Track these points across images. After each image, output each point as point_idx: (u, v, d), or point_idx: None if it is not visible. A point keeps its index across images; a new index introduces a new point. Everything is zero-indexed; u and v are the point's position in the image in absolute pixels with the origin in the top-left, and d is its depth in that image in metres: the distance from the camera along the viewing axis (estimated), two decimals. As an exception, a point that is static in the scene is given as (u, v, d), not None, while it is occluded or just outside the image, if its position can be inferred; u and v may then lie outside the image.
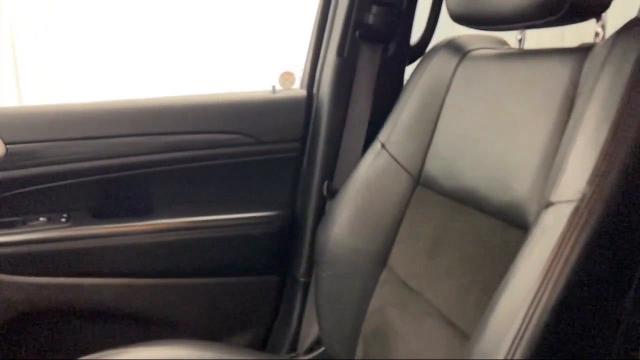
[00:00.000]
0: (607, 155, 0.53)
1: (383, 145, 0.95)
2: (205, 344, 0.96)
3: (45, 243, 1.05)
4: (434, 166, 0.88)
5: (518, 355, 0.51)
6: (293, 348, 1.20)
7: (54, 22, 2.74)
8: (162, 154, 1.12)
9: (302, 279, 1.21)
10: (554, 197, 0.57)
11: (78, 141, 1.07)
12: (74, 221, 1.08)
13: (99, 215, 1.11)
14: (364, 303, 0.90)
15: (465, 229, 0.77)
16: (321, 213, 1.13)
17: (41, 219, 1.07)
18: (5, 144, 1.02)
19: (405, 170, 0.91)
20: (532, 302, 0.51)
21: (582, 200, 0.53)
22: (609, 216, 0.52)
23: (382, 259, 0.90)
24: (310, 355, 1.15)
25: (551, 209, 0.56)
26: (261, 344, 1.24)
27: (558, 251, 0.52)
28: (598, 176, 0.53)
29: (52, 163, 1.06)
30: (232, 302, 1.20)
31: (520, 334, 0.51)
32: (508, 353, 0.51)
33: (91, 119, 1.09)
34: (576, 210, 0.53)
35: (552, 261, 0.52)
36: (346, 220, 0.93)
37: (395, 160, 0.92)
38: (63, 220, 1.08)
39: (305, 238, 1.19)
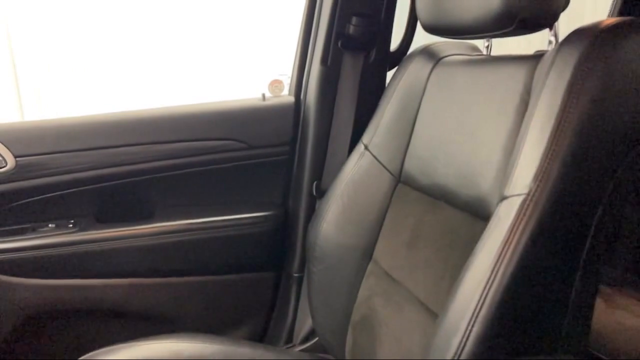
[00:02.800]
0: (549, 153, 0.60)
1: (366, 147, 1.01)
2: (207, 337, 1.00)
3: (54, 248, 1.10)
4: (412, 165, 0.94)
5: (475, 331, 0.58)
6: (289, 339, 1.25)
7: (53, 24, 2.77)
8: (160, 161, 1.17)
9: (296, 274, 1.26)
10: (506, 192, 0.64)
11: (82, 152, 1.12)
12: (80, 227, 1.13)
13: (104, 220, 1.17)
14: (353, 294, 0.97)
15: (438, 222, 0.84)
16: (311, 212, 1.18)
17: (50, 225, 1.13)
18: (15, 157, 1.07)
19: (387, 169, 0.98)
20: (486, 285, 0.58)
21: (528, 194, 0.60)
22: (552, 207, 0.59)
23: (367, 253, 0.96)
24: (305, 345, 1.20)
25: (504, 202, 0.63)
26: (259, 337, 1.28)
27: (508, 239, 0.59)
28: (542, 172, 0.60)
29: (59, 173, 1.11)
30: (231, 298, 1.25)
31: (476, 313, 0.58)
32: (466, 330, 0.58)
33: (93, 130, 1.14)
34: (523, 202, 0.60)
35: (503, 248, 0.59)
36: (334, 218, 0.99)
37: (378, 160, 0.99)
38: (70, 226, 1.13)
39: (298, 236, 1.24)
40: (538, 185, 0.59)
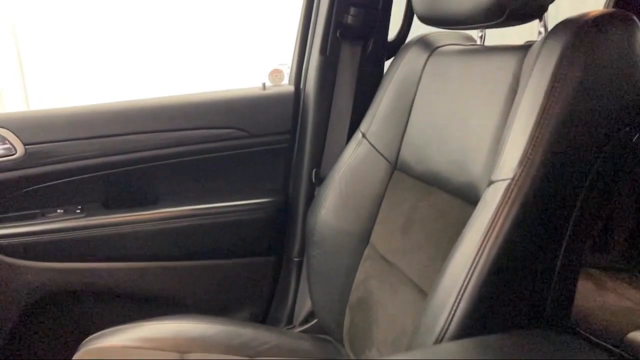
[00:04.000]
0: (533, 140, 0.63)
1: (364, 135, 1.03)
2: (210, 318, 1.04)
3: (63, 232, 1.13)
4: (408, 153, 0.97)
5: (461, 308, 0.61)
6: (290, 321, 1.28)
7: (54, 18, 2.79)
8: (164, 149, 1.20)
9: (296, 259, 1.29)
10: (493, 177, 0.67)
11: (88, 140, 1.15)
12: (88, 212, 1.17)
13: (110, 206, 1.20)
14: (350, 277, 1.00)
15: (431, 207, 0.87)
16: (311, 198, 1.21)
17: (58, 210, 1.16)
18: (24, 144, 1.11)
19: (384, 157, 1.00)
20: (471, 265, 0.62)
21: (513, 179, 0.63)
22: (536, 191, 0.62)
23: (365, 237, 1.00)
24: (305, 326, 1.24)
25: (491, 187, 0.66)
26: (261, 318, 1.32)
27: (493, 221, 0.62)
28: (526, 158, 0.63)
29: (66, 160, 1.14)
30: (234, 281, 1.28)
31: (462, 291, 0.61)
32: (453, 307, 0.61)
33: (99, 119, 1.17)
34: (508, 187, 0.63)
35: (489, 230, 0.62)
36: (332, 204, 1.02)
37: (375, 148, 1.01)
38: (78, 211, 1.17)
39: (298, 221, 1.27)
40: (522, 170, 0.63)
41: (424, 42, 1.00)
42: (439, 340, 0.61)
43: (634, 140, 1.27)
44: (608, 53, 0.64)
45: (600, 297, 1.05)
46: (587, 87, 0.63)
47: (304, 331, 1.24)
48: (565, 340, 0.61)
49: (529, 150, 0.63)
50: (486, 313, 0.62)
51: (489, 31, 0.91)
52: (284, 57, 1.36)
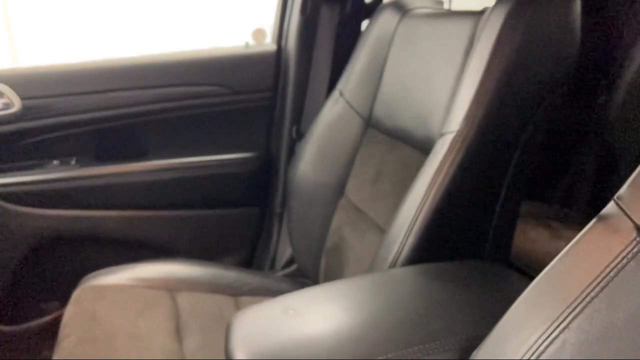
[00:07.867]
0: (476, 98, 0.71)
1: (341, 93, 1.09)
2: (198, 262, 1.11)
3: (59, 182, 1.20)
4: (380, 110, 1.03)
5: (409, 242, 0.70)
6: (272, 266, 1.38)
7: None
8: (153, 104, 1.25)
9: (278, 210, 1.37)
10: (443, 130, 0.75)
11: (82, 95, 1.20)
12: (82, 163, 1.24)
13: (103, 158, 1.27)
14: (326, 225, 1.08)
15: (397, 160, 0.95)
16: (291, 153, 1.28)
17: (54, 162, 1.23)
18: (22, 99, 1.16)
19: (358, 114, 1.07)
20: (419, 205, 0.71)
21: (458, 131, 0.71)
22: (477, 143, 0.71)
23: (340, 189, 1.07)
24: (286, 271, 1.33)
25: (441, 138, 0.75)
26: (246, 264, 1.41)
27: (439, 167, 0.71)
28: (469, 114, 0.71)
29: (61, 114, 1.19)
30: (221, 230, 1.36)
31: (411, 227, 0.71)
32: (402, 240, 0.71)
33: (92, 75, 1.22)
34: (454, 138, 0.71)
35: (435, 175, 0.71)
36: (311, 159, 1.09)
37: (351, 106, 1.08)
38: (72, 163, 1.24)
39: (279, 175, 1.35)
40: (466, 124, 0.71)
41: (397, 5, 1.05)
42: (391, 268, 0.70)
43: (598, 101, 1.35)
44: (547, 21, 0.71)
45: (552, 243, 1.15)
46: (526, 53, 0.70)
47: (284, 275, 1.32)
48: (501, 271, 0.70)
49: (473, 107, 0.71)
50: (431, 246, 0.71)
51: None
52: (268, 17, 1.39)
